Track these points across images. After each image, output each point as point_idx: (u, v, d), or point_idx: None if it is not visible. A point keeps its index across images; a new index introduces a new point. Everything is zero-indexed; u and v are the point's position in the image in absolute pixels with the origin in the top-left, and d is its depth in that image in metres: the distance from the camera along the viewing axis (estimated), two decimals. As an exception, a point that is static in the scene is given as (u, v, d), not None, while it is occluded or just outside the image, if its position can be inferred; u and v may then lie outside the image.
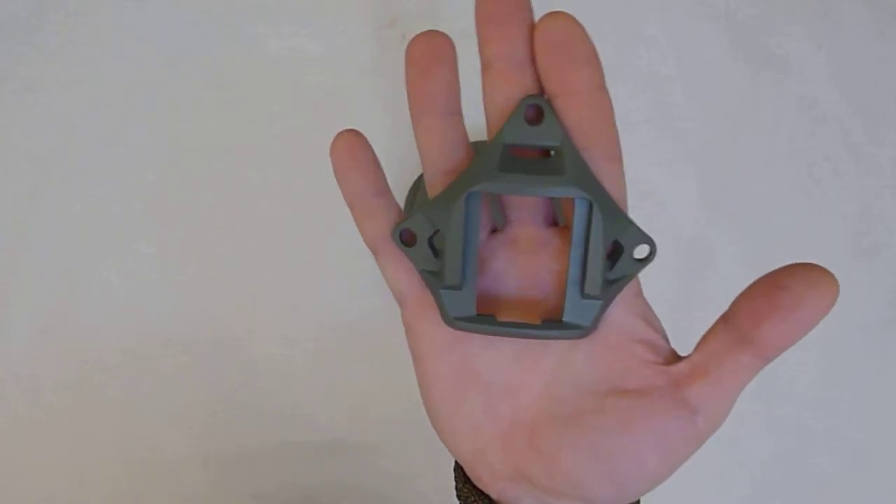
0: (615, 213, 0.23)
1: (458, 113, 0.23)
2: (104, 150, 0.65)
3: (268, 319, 0.64)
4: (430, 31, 0.22)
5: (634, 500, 0.25)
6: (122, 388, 0.63)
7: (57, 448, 0.62)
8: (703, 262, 0.64)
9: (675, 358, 0.26)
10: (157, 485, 0.62)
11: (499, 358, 0.25)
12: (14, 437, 0.63)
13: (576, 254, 0.24)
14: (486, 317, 0.24)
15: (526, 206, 0.25)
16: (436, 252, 0.24)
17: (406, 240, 0.24)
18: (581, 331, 0.24)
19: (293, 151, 0.65)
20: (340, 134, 0.25)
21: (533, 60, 0.21)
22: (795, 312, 0.22)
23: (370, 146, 0.25)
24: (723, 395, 0.24)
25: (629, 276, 0.24)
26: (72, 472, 0.62)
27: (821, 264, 0.23)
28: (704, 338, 0.25)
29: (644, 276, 0.61)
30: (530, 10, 0.21)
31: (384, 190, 0.25)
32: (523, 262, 0.25)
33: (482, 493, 0.27)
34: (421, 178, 0.62)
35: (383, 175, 0.25)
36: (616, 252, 0.24)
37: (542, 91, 0.22)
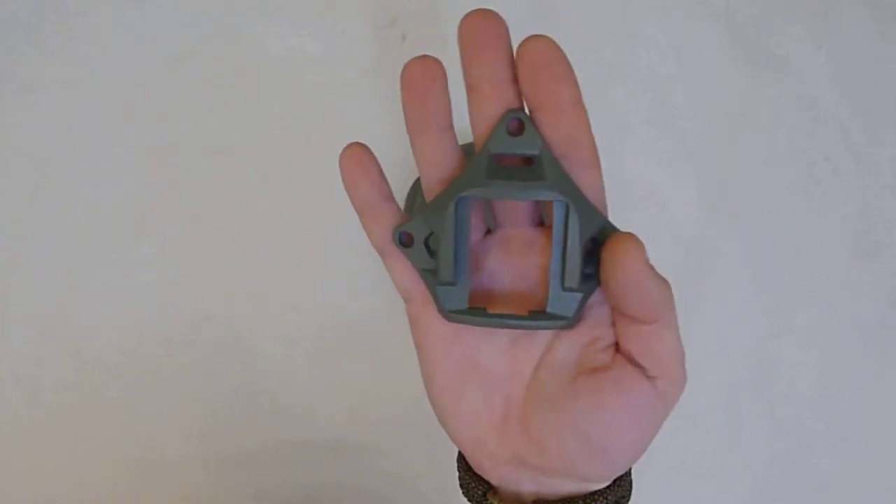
0: (591, 213, 0.25)
1: (451, 128, 0.26)
2: (104, 150, 0.65)
3: (268, 319, 0.64)
4: (422, 57, 0.25)
5: (624, 471, 0.28)
6: (122, 388, 0.63)
7: (57, 448, 0.62)
8: (703, 262, 0.64)
9: None
10: (157, 485, 0.62)
11: (495, 349, 0.28)
12: (14, 437, 0.63)
13: (556, 251, 0.26)
14: (478, 309, 0.27)
15: (514, 209, 0.27)
16: (431, 252, 0.27)
17: (405, 241, 0.28)
18: (564, 321, 0.26)
19: (293, 151, 0.65)
20: (349, 146, 0.27)
21: (514, 80, 0.24)
22: (623, 286, 0.24)
23: (375, 157, 0.28)
24: (662, 356, 0.25)
25: None
26: (72, 471, 0.62)
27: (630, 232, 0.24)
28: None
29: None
30: (508, 35, 0.24)
31: (389, 196, 0.28)
32: (513, 261, 0.28)
33: (483, 479, 0.29)
34: (419, 180, 0.62)
35: (388, 183, 0.28)
36: (593, 248, 0.26)
37: (522, 106, 0.25)
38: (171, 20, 0.66)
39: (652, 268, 0.24)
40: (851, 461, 0.64)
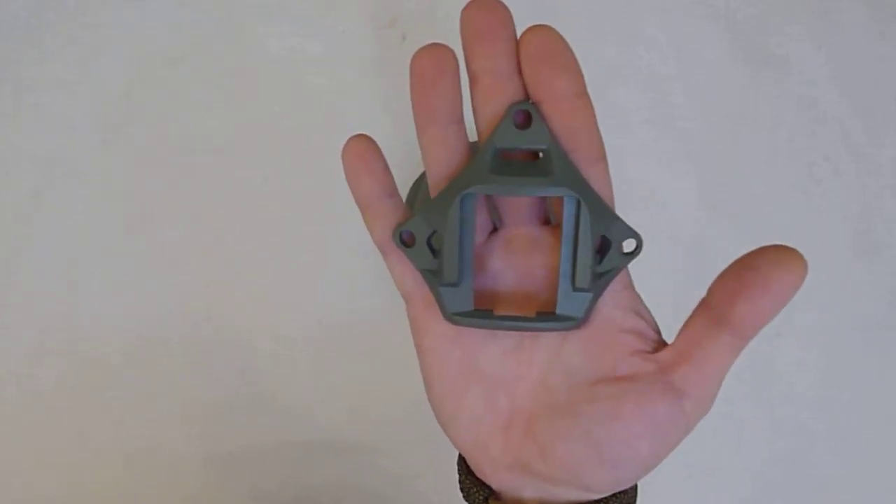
0: (602, 210, 0.24)
1: (460, 121, 0.25)
2: (104, 150, 0.65)
3: (268, 319, 0.64)
4: (434, 44, 0.23)
5: (630, 484, 0.26)
6: (122, 388, 0.63)
7: (57, 448, 0.62)
8: (703, 262, 0.64)
9: (662, 346, 0.27)
10: (156, 484, 0.62)
11: (498, 352, 0.27)
12: (14, 436, 0.63)
13: (566, 249, 0.25)
14: (483, 311, 0.26)
15: (519, 207, 0.26)
16: (434, 252, 0.26)
17: (406, 240, 0.26)
18: (573, 322, 0.25)
19: (293, 151, 0.65)
20: (352, 139, 0.26)
21: (518, 71, 0.23)
22: (764, 291, 0.23)
23: (380, 149, 0.26)
24: (706, 377, 0.25)
25: (617, 269, 0.25)
26: (71, 471, 0.62)
27: (790, 246, 0.23)
28: (686, 324, 0.26)
29: (644, 275, 0.61)
30: (513, 26, 0.23)
31: (393, 192, 0.26)
32: (518, 261, 0.26)
33: (484, 483, 0.28)
34: (421, 177, 0.62)
35: (392, 177, 0.26)
36: (604, 246, 0.25)
37: (527, 98, 0.24)
38: (171, 20, 0.66)
39: None
40: (851, 461, 0.64)
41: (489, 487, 0.28)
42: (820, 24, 0.67)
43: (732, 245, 0.65)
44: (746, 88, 0.66)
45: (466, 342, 0.27)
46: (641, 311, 0.27)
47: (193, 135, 0.65)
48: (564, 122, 0.23)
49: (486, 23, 0.22)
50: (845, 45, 0.67)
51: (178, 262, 0.64)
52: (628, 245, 0.25)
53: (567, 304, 0.25)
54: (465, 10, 0.23)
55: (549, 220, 0.27)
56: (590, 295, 0.25)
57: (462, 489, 0.29)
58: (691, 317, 0.26)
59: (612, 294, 0.26)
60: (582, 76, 0.23)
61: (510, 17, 0.23)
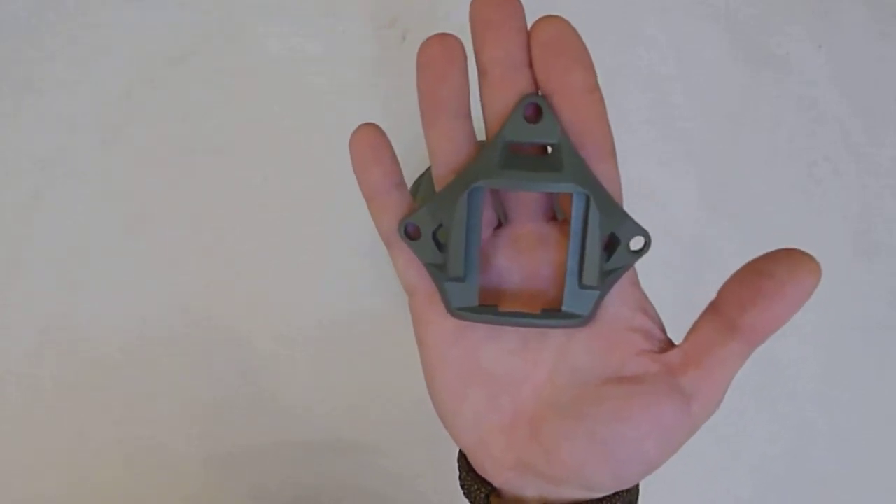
0: (611, 207, 0.24)
1: (468, 115, 0.24)
2: (104, 150, 0.65)
3: (268, 319, 0.64)
4: (442, 34, 0.22)
5: (633, 483, 0.26)
6: (123, 388, 0.63)
7: (57, 448, 0.62)
8: (703, 262, 0.64)
9: (670, 346, 0.26)
10: (156, 484, 0.62)
11: (501, 350, 0.26)
12: (14, 436, 0.63)
13: (574, 246, 0.24)
14: (488, 307, 0.25)
15: (526, 202, 0.26)
16: (440, 246, 0.25)
17: (411, 234, 0.25)
18: (579, 320, 0.25)
19: (293, 151, 0.65)
20: (360, 127, 0.25)
21: (529, 63, 0.22)
22: (779, 298, 0.22)
23: (388, 139, 0.25)
24: (715, 381, 0.24)
25: (625, 267, 0.25)
26: (71, 471, 0.62)
27: (803, 250, 0.23)
28: (695, 326, 0.26)
29: (644, 275, 0.61)
30: (523, 16, 0.22)
31: (401, 183, 0.26)
32: (525, 257, 0.26)
33: (485, 481, 0.28)
34: (421, 176, 0.62)
35: (400, 168, 0.26)
36: (612, 244, 0.25)
37: (537, 91, 0.24)
38: (171, 20, 0.66)
39: None
40: (852, 460, 0.64)
41: (490, 485, 0.28)
42: (820, 24, 0.67)
43: (732, 245, 0.65)
44: (746, 88, 0.66)
45: (469, 339, 0.26)
46: (648, 309, 0.27)
47: (193, 135, 0.65)
48: (575, 117, 0.23)
49: (496, 12, 0.22)
50: (845, 45, 0.67)
51: (178, 262, 0.64)
52: (636, 243, 0.25)
53: (573, 301, 0.25)
54: (474, 0, 0.22)
55: (555, 216, 0.27)
56: (597, 293, 0.24)
57: (463, 486, 0.29)
58: (700, 320, 0.26)
59: (620, 292, 0.26)
60: (594, 70, 0.23)
61: (521, 7, 0.22)
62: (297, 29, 0.65)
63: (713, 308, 0.25)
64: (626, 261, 0.25)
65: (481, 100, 0.24)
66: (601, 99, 0.23)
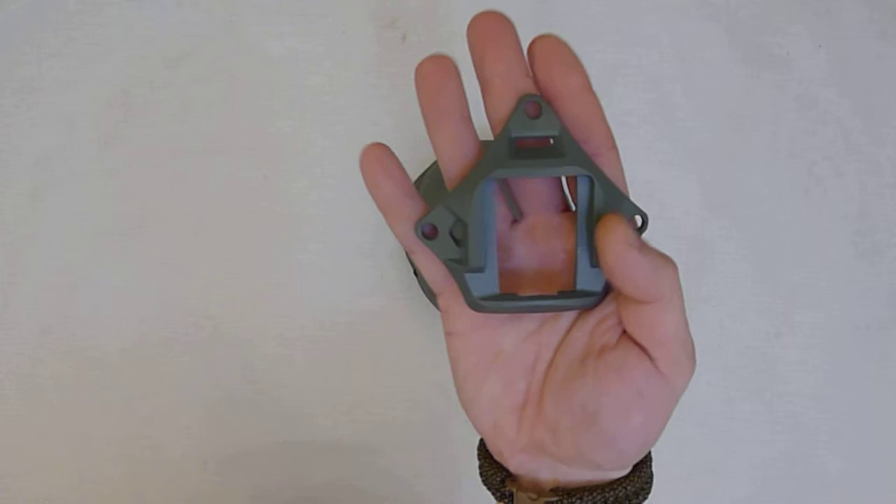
0: (612, 189, 0.26)
1: (469, 119, 0.26)
2: (104, 150, 0.65)
3: (268, 319, 0.64)
4: (436, 55, 0.25)
5: (636, 459, 0.28)
6: (122, 388, 0.63)
7: (56, 448, 0.62)
8: (703, 262, 0.64)
9: None
10: (156, 485, 0.63)
11: (521, 335, 0.28)
12: (14, 437, 0.63)
13: (581, 227, 0.26)
14: (508, 295, 0.27)
15: (539, 194, 0.28)
16: (457, 241, 0.27)
17: (428, 233, 0.27)
18: (594, 297, 0.26)
19: (293, 151, 0.65)
20: (368, 148, 0.28)
21: (526, 73, 0.25)
22: (604, 256, 0.24)
23: (395, 155, 0.28)
24: (660, 339, 0.25)
25: None
26: (71, 471, 0.62)
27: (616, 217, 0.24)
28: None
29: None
30: (517, 34, 0.25)
31: (413, 193, 0.28)
32: (540, 246, 0.28)
33: (500, 466, 0.29)
34: (422, 176, 0.62)
35: (409, 179, 0.28)
36: None
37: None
38: (171, 20, 0.66)
39: (643, 248, 0.24)
40: (852, 461, 0.64)
41: (506, 470, 0.29)
42: (820, 24, 0.67)
43: (733, 245, 0.65)
44: (746, 88, 0.66)
45: (491, 326, 0.28)
46: None
47: (193, 135, 0.65)
48: (576, 113, 0.26)
49: (493, 30, 0.25)
50: (845, 45, 0.67)
51: (177, 262, 0.64)
52: (635, 222, 0.27)
53: (586, 280, 0.26)
54: (471, 22, 0.25)
55: (568, 208, 0.29)
56: None
57: (481, 473, 0.30)
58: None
59: None
60: (587, 76, 0.25)
61: (514, 25, 0.25)
62: (297, 29, 0.65)
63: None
64: None
65: (486, 109, 0.26)
66: (597, 99, 0.26)
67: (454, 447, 0.62)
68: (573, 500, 0.27)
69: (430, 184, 0.60)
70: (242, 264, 0.64)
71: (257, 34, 0.65)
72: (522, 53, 0.25)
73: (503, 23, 0.25)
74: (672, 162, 0.65)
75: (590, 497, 0.27)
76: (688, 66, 0.66)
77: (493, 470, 0.29)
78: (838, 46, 0.66)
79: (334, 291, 0.64)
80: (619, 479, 0.28)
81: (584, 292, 0.26)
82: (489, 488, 0.30)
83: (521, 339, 0.28)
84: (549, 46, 0.25)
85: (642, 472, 0.29)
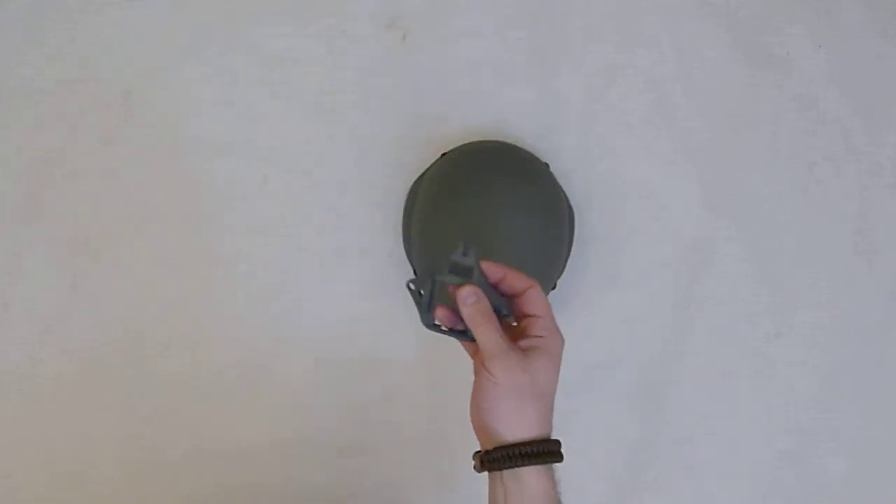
0: (488, 290, 0.40)
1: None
2: (104, 150, 0.65)
3: (268, 319, 0.64)
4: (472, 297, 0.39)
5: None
6: (122, 388, 0.63)
7: (56, 448, 0.63)
8: (703, 262, 0.64)
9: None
10: (157, 484, 0.63)
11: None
12: (14, 437, 0.63)
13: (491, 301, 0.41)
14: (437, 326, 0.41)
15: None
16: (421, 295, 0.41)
17: (413, 289, 0.40)
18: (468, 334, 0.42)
19: (293, 151, 0.65)
20: (465, 287, 0.39)
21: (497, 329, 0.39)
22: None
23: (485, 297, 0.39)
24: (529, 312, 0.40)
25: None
26: (71, 471, 0.63)
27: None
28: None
29: (645, 275, 0.62)
30: (493, 313, 0.39)
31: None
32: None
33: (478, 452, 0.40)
34: (420, 177, 0.62)
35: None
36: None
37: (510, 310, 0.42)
38: (171, 20, 0.66)
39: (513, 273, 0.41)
40: (851, 460, 0.64)
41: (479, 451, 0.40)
42: (820, 24, 0.67)
43: (733, 245, 0.65)
44: (746, 88, 0.66)
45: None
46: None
47: (193, 135, 0.65)
48: (507, 286, 0.41)
49: (479, 316, 0.38)
50: (845, 45, 0.67)
51: (177, 262, 0.64)
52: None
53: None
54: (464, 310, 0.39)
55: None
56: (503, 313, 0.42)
57: (474, 457, 0.40)
58: None
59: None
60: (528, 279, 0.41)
61: (491, 310, 0.39)
62: (297, 29, 0.65)
63: None
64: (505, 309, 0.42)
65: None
66: (536, 287, 0.41)
67: (453, 447, 0.62)
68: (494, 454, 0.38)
69: (429, 184, 0.60)
70: (242, 264, 0.64)
71: (257, 34, 0.66)
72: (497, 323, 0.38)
73: (487, 311, 0.38)
74: (672, 162, 0.65)
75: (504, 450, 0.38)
76: (688, 66, 0.66)
77: (475, 453, 0.40)
78: (838, 46, 0.67)
79: (334, 291, 0.64)
80: (521, 442, 0.37)
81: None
82: (475, 466, 0.40)
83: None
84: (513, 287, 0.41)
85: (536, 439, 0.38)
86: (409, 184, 0.63)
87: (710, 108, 0.66)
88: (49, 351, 0.63)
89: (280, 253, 0.64)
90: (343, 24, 0.66)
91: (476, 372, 0.39)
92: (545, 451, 0.38)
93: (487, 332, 0.38)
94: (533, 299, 0.40)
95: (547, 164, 0.61)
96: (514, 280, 0.40)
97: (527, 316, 0.40)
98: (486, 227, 0.56)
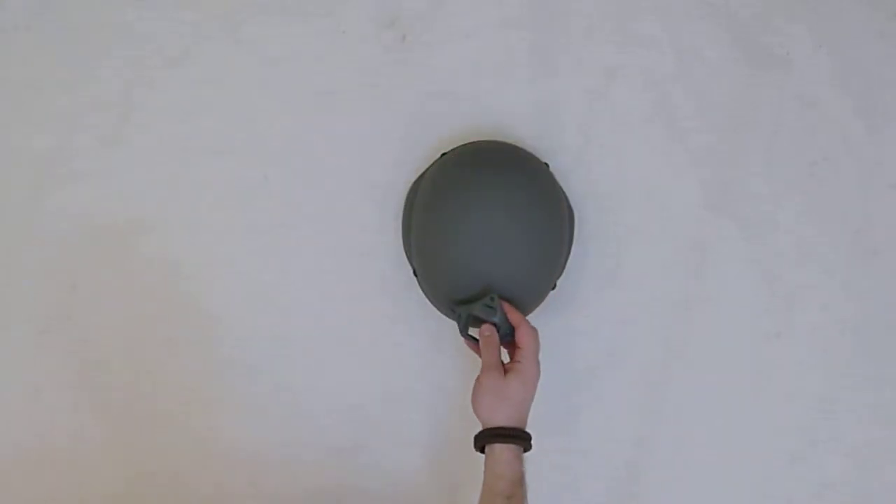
0: (507, 324, 0.57)
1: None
2: (104, 150, 0.65)
3: (268, 319, 0.64)
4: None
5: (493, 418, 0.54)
6: (123, 388, 0.63)
7: (57, 448, 0.63)
8: (703, 261, 0.64)
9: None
10: (157, 484, 0.63)
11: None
12: (13, 437, 0.63)
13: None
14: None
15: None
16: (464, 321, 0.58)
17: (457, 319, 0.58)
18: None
19: (293, 151, 0.65)
20: (485, 325, 0.56)
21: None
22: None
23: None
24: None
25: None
26: (72, 472, 0.63)
27: None
28: None
29: (645, 275, 0.62)
30: (497, 343, 0.55)
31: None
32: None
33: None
34: (420, 178, 0.62)
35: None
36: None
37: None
38: (171, 20, 0.66)
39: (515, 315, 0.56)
40: (851, 460, 0.64)
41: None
42: (820, 24, 0.67)
43: (732, 245, 0.65)
44: (746, 88, 0.66)
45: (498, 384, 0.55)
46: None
47: (193, 135, 0.65)
48: (516, 321, 0.56)
49: (489, 340, 0.55)
50: (845, 45, 0.67)
51: (178, 262, 0.64)
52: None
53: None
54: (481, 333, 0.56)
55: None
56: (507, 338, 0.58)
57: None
58: None
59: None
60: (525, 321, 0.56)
61: (496, 337, 0.55)
62: (297, 29, 0.66)
63: None
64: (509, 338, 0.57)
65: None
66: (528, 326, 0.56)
67: (454, 447, 0.62)
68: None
69: (428, 184, 0.60)
70: (242, 264, 0.64)
71: (257, 34, 0.66)
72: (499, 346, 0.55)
73: (493, 339, 0.55)
74: (672, 162, 0.65)
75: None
76: (688, 66, 0.66)
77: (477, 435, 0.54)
78: (838, 46, 0.67)
79: (334, 292, 0.64)
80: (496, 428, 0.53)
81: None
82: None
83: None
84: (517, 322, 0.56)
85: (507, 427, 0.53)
86: (409, 184, 0.63)
87: (710, 108, 0.66)
88: (49, 351, 0.63)
89: (280, 253, 0.64)
90: (343, 24, 0.66)
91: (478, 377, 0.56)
92: (510, 435, 0.52)
93: (489, 354, 0.54)
94: (521, 334, 0.55)
95: (547, 164, 0.61)
96: (511, 314, 0.56)
97: (519, 343, 0.56)
98: (486, 227, 0.56)
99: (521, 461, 0.52)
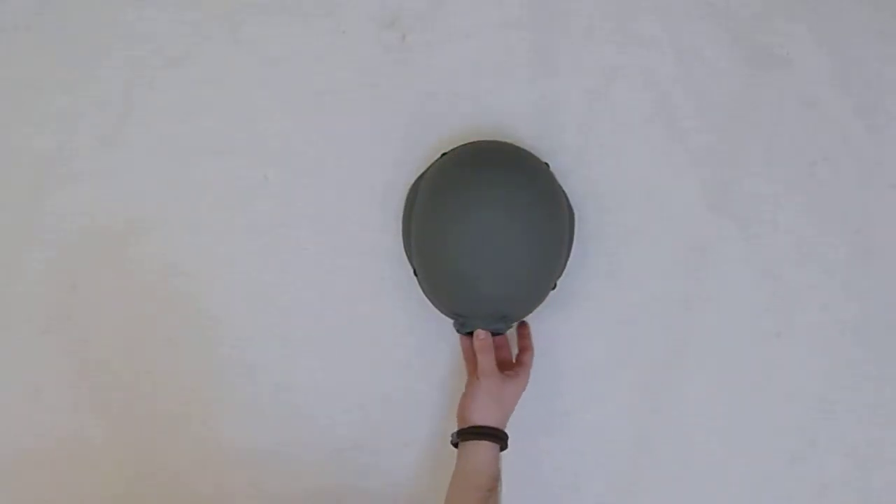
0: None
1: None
2: (104, 150, 0.65)
3: (268, 319, 0.64)
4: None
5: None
6: (123, 389, 0.63)
7: (56, 448, 0.63)
8: (703, 261, 0.64)
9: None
10: (157, 484, 0.63)
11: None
12: (13, 437, 0.63)
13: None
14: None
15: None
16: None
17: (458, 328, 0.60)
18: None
19: (293, 151, 0.65)
20: (478, 331, 0.58)
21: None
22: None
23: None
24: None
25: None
26: (72, 472, 0.63)
27: None
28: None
29: (645, 275, 0.62)
30: (492, 349, 0.58)
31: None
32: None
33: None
34: (420, 178, 0.62)
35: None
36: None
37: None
38: (171, 20, 0.66)
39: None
40: (851, 460, 0.64)
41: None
42: (820, 24, 0.67)
43: (733, 245, 0.65)
44: (746, 88, 0.66)
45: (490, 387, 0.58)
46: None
47: (193, 135, 0.65)
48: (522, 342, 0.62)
49: (484, 345, 0.58)
50: (845, 45, 0.67)
51: (178, 262, 0.64)
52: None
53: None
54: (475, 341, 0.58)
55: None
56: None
57: (452, 435, 0.58)
58: None
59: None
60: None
61: (491, 344, 0.57)
62: (297, 29, 0.66)
63: None
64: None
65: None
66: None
67: (453, 448, 0.62)
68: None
69: (427, 184, 0.60)
70: (242, 264, 0.64)
71: (257, 34, 0.66)
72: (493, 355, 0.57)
73: (488, 347, 0.57)
74: (672, 162, 0.65)
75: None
76: (688, 66, 0.66)
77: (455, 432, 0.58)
78: (838, 46, 0.67)
79: (334, 292, 0.64)
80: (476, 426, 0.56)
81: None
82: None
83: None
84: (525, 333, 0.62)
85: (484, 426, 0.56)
86: (409, 184, 0.63)
87: (710, 108, 0.66)
88: (49, 351, 0.63)
89: (280, 253, 0.64)
90: (343, 24, 0.66)
91: (469, 379, 0.59)
92: (492, 434, 0.56)
93: (486, 360, 0.57)
94: (529, 357, 0.60)
95: (547, 164, 0.61)
96: (524, 340, 0.61)
97: (521, 345, 0.62)
98: (486, 227, 0.56)
99: (499, 459, 0.56)
